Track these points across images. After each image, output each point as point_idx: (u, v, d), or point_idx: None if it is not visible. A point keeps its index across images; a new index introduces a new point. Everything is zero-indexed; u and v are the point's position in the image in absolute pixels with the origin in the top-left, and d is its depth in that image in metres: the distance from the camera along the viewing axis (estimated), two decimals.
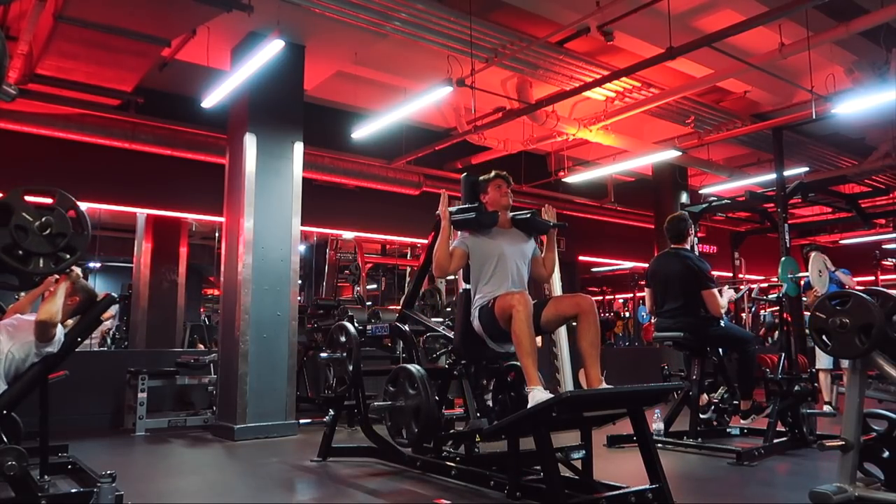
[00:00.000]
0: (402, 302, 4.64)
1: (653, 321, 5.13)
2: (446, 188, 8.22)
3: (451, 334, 3.96)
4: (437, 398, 3.52)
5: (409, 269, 10.64)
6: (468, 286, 3.59)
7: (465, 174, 3.94)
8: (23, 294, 3.83)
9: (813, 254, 5.02)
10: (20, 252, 2.85)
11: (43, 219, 2.88)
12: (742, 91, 7.96)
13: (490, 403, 3.73)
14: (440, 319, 4.86)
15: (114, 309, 9.51)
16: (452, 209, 3.61)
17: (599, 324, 3.26)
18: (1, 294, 3.97)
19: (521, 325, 3.04)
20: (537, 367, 3.04)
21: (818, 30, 5.67)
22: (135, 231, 9.08)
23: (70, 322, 3.34)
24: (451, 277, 6.95)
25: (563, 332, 6.96)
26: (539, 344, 4.98)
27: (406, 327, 4.24)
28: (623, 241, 11.86)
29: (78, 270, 3.26)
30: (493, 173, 3.68)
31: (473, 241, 3.54)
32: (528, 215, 3.65)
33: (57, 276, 3.21)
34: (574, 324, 3.32)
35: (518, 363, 3.21)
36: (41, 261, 2.91)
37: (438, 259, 3.48)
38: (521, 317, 3.05)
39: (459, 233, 3.61)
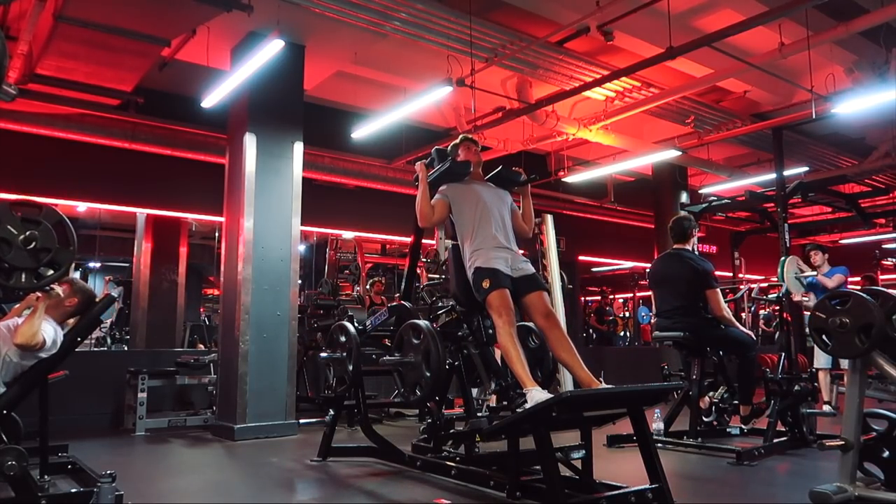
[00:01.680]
0: (400, 297, 4.62)
1: (653, 321, 5.13)
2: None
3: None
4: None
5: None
6: (456, 243, 3.63)
7: (435, 147, 4.05)
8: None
9: (786, 259, 5.01)
10: (4, 265, 2.77)
11: (27, 232, 2.79)
12: (742, 91, 7.96)
13: (493, 392, 3.73)
14: (437, 277, 4.88)
15: (116, 291, 9.54)
16: (427, 164, 3.80)
17: (564, 331, 3.36)
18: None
19: (505, 339, 3.14)
20: (528, 370, 3.07)
21: (818, 30, 5.67)
22: (135, 231, 9.09)
23: (70, 321, 3.34)
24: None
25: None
26: None
27: (407, 303, 4.23)
28: (623, 240, 11.87)
29: (59, 289, 3.19)
30: (460, 137, 3.85)
31: (452, 190, 3.65)
32: (499, 169, 3.79)
33: (38, 294, 3.13)
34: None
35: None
36: (23, 275, 2.83)
37: (422, 209, 3.61)
38: (504, 331, 3.14)
39: (438, 189, 3.70)
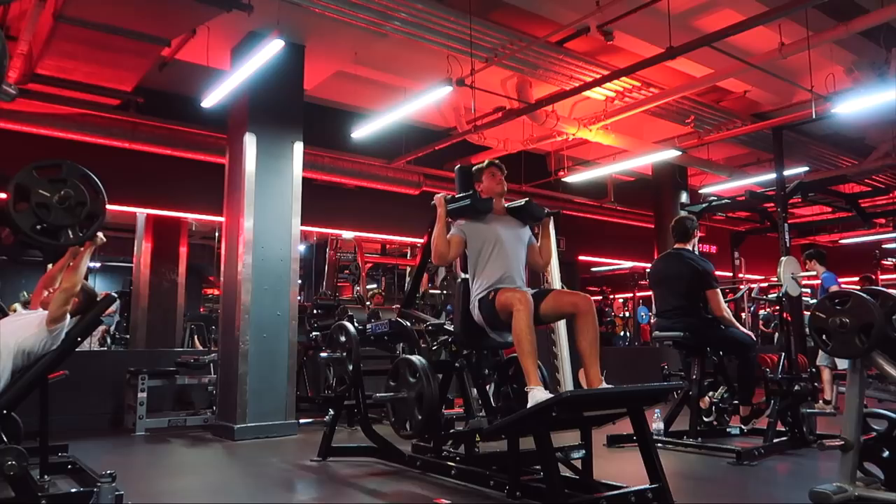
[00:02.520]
0: (402, 302, 4.64)
1: (653, 321, 5.13)
2: (446, 189, 8.24)
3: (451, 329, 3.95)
4: (439, 391, 3.50)
5: (409, 269, 10.65)
6: (466, 276, 3.61)
7: (458, 166, 3.98)
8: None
9: (785, 259, 5.01)
10: (47, 228, 2.92)
11: (62, 192, 2.94)
12: (742, 91, 7.96)
13: (492, 395, 3.74)
14: (441, 321, 4.85)
15: (115, 305, 9.52)
16: (447, 197, 3.66)
17: (598, 323, 3.26)
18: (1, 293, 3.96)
19: (522, 327, 3.05)
20: (537, 366, 3.04)
21: (818, 29, 5.67)
22: (135, 231, 9.09)
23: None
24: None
25: (563, 331, 6.95)
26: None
27: (406, 322, 4.24)
28: (623, 240, 11.86)
29: (101, 235, 3.29)
30: (486, 162, 3.72)
31: (469, 227, 3.56)
32: (524, 202, 3.68)
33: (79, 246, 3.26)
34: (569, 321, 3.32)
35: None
36: (69, 232, 2.99)
37: (437, 246, 3.52)
38: (522, 317, 3.06)
39: (456, 221, 3.63)
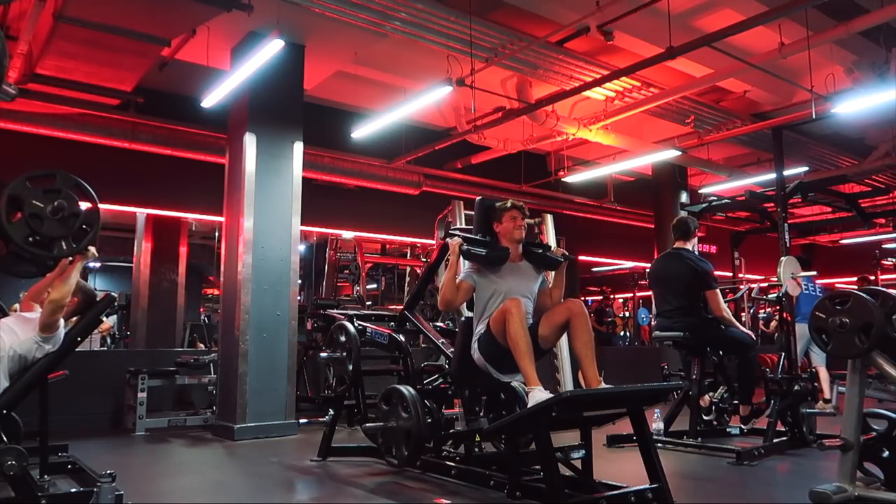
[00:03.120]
0: (405, 304, 4.63)
1: (653, 322, 5.14)
2: (446, 187, 8.20)
3: (449, 351, 3.91)
4: (429, 419, 3.50)
5: (408, 269, 10.64)
6: (471, 314, 3.58)
7: (480, 198, 3.79)
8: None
9: (784, 259, 5.01)
10: (40, 240, 2.88)
11: (55, 203, 2.89)
12: (742, 91, 7.96)
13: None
14: (440, 324, 4.85)
15: (112, 320, 9.53)
16: (461, 233, 3.55)
17: (591, 325, 3.26)
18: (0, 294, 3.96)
19: (516, 326, 3.04)
20: (535, 367, 3.04)
21: (818, 29, 5.67)
22: (135, 231, 9.09)
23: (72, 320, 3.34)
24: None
25: None
26: None
27: (401, 337, 4.28)
28: (623, 240, 11.86)
29: (94, 249, 3.24)
30: (509, 203, 3.58)
31: (481, 277, 3.47)
32: (541, 251, 3.58)
33: (71, 258, 3.22)
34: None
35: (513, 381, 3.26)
36: (63, 244, 2.95)
37: (445, 294, 3.45)
38: (515, 319, 3.06)
39: (468, 264, 3.54)
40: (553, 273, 3.62)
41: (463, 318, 3.75)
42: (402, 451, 3.52)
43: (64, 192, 2.95)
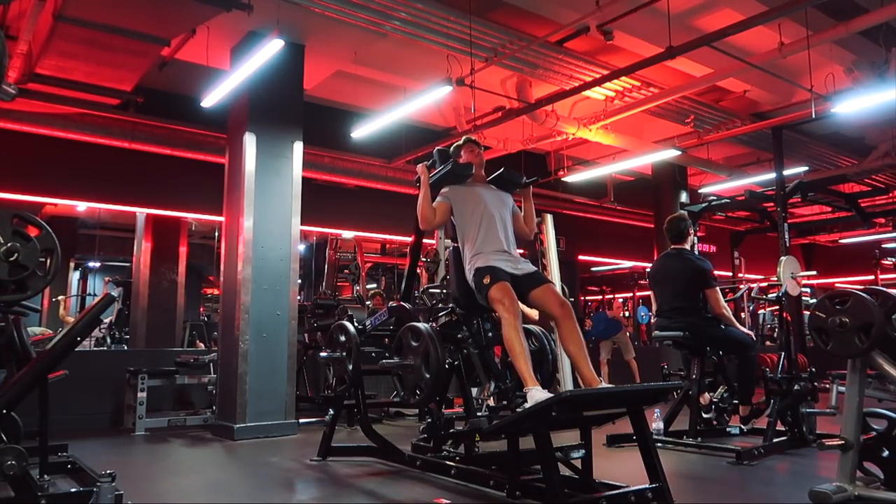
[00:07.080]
0: (400, 297, 4.63)
1: (652, 321, 5.13)
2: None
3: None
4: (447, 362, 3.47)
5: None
6: (456, 245, 3.64)
7: (437, 147, 4.07)
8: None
9: (783, 259, 5.01)
10: (14, 284, 2.72)
11: (9, 244, 2.68)
12: (742, 90, 7.96)
13: (493, 396, 3.73)
14: (437, 284, 4.87)
15: (116, 291, 9.50)
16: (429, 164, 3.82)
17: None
18: None
19: (511, 332, 3.10)
20: (531, 367, 3.05)
21: (818, 29, 5.67)
22: (134, 230, 9.09)
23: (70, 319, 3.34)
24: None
25: None
26: (535, 316, 5.03)
27: (407, 305, 4.24)
28: (623, 240, 11.87)
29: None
30: (463, 139, 3.85)
31: (453, 192, 3.64)
32: (501, 171, 3.79)
33: None
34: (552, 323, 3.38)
35: None
36: (36, 279, 2.78)
37: (422, 211, 3.60)
38: (510, 326, 3.10)
39: (442, 190, 3.70)
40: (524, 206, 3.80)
41: (451, 250, 3.77)
42: (424, 381, 3.43)
43: (31, 245, 2.75)
